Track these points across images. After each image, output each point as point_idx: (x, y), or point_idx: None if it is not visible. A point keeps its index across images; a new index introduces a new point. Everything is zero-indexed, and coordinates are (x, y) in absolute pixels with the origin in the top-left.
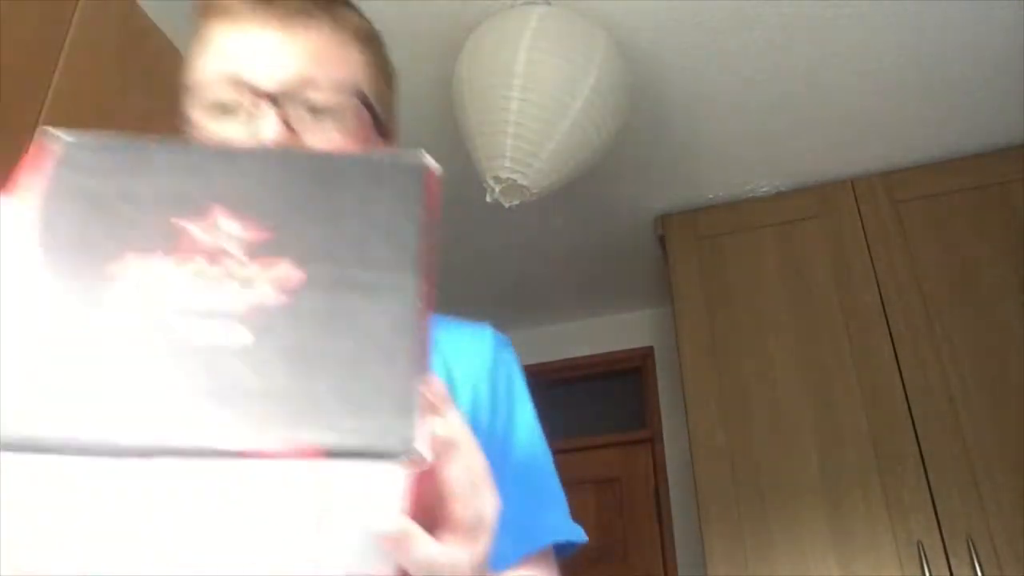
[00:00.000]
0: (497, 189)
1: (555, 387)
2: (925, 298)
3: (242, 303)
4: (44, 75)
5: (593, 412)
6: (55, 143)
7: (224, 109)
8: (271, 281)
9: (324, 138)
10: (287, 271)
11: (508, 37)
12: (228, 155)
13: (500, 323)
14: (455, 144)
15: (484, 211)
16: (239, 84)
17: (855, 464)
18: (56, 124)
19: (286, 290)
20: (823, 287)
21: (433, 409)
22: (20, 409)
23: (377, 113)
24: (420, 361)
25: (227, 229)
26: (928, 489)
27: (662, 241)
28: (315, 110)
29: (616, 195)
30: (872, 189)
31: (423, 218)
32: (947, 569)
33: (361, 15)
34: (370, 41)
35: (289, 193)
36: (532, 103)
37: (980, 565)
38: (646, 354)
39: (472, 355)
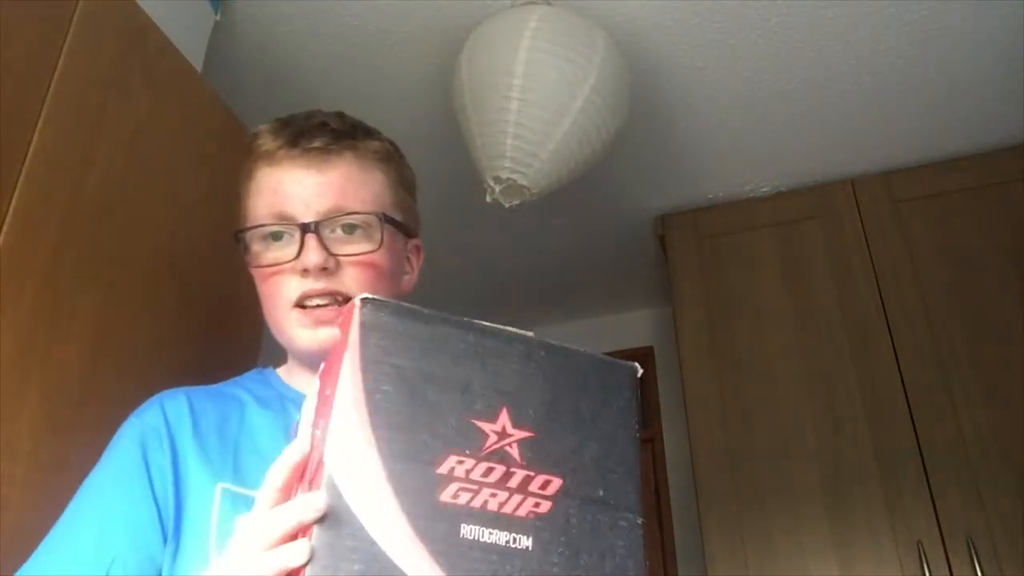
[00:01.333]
0: (497, 189)
1: None
2: (925, 298)
3: (522, 509)
4: (44, 75)
5: None
6: (364, 309)
7: (275, 237)
8: (539, 487)
9: (356, 248)
10: (551, 478)
11: (508, 37)
12: (498, 341)
13: (500, 323)
14: (455, 144)
15: (484, 211)
16: (284, 217)
17: (855, 464)
18: (56, 124)
19: (549, 496)
20: (823, 287)
21: None
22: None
23: (399, 221)
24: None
25: (510, 432)
26: (928, 489)
27: (662, 241)
28: (348, 228)
29: (616, 195)
30: (872, 189)
31: (637, 427)
32: (947, 569)
33: (380, 138)
34: (389, 159)
35: (546, 390)
36: (532, 103)
37: (980, 565)
38: (646, 354)
39: None
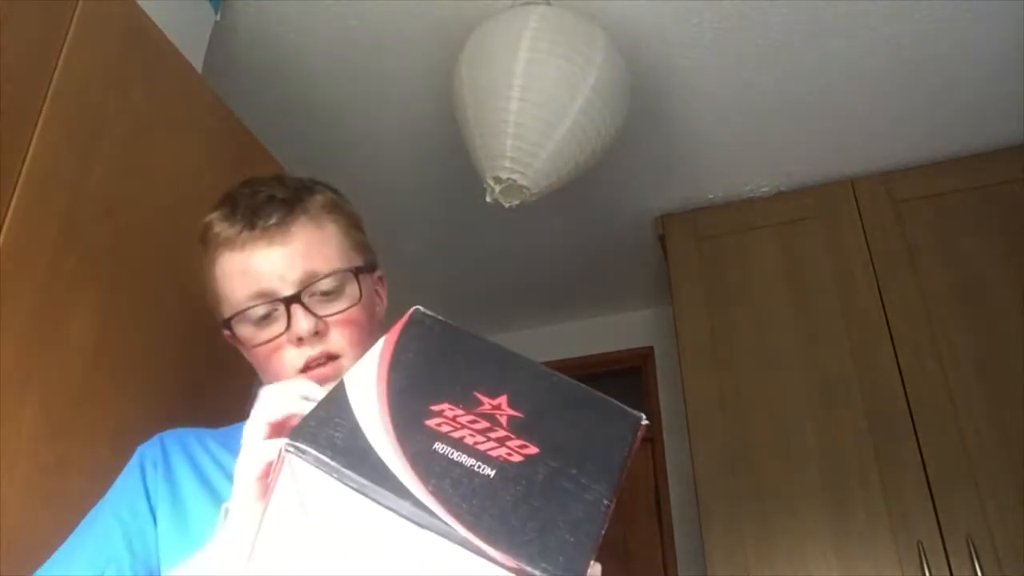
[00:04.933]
0: (497, 189)
1: None
2: (925, 298)
3: (495, 452)
4: (44, 75)
5: None
6: (414, 313)
7: (266, 319)
8: (516, 446)
9: (339, 307)
10: (529, 444)
11: (508, 37)
12: (517, 361)
13: (500, 323)
14: (455, 144)
15: (484, 211)
16: (264, 295)
17: (855, 464)
18: (56, 124)
19: (523, 455)
20: (823, 287)
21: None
22: (352, 451)
23: (363, 266)
24: (596, 544)
25: (504, 408)
26: (928, 489)
27: (662, 241)
28: (326, 294)
29: (616, 195)
30: (872, 189)
31: (627, 460)
32: (947, 569)
33: (320, 190)
34: (335, 207)
35: (547, 401)
36: (532, 103)
37: (980, 565)
38: (646, 354)
39: None
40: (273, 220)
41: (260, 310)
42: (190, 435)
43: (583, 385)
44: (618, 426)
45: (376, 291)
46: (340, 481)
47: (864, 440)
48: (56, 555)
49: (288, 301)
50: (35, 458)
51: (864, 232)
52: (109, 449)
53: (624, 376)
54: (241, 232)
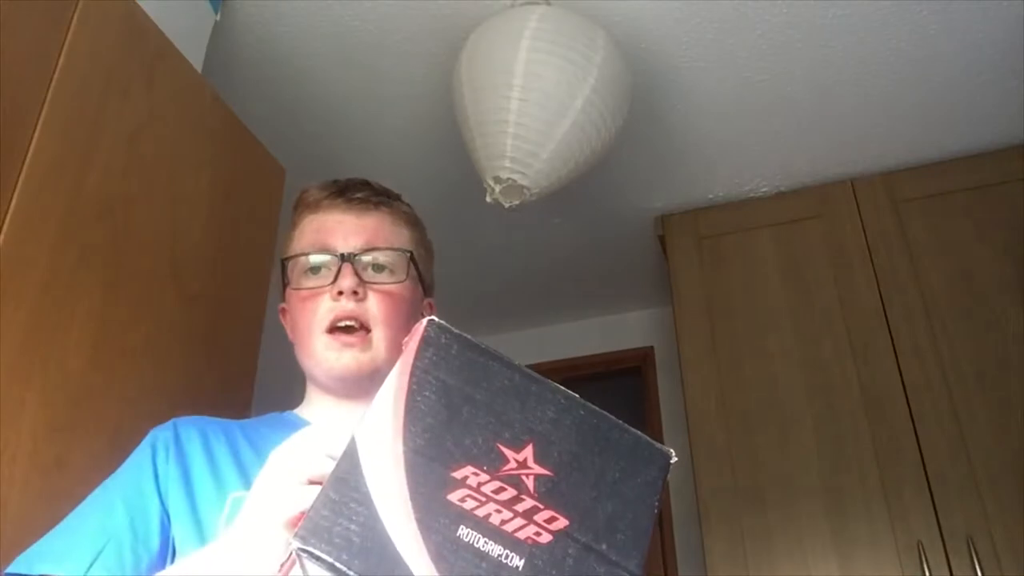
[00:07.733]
0: (497, 189)
1: None
2: (925, 298)
3: (522, 532)
4: (44, 75)
5: None
6: (428, 326)
7: (315, 270)
8: (544, 520)
9: (383, 285)
10: (557, 516)
11: (508, 37)
12: (538, 390)
13: (500, 323)
14: (455, 144)
15: (484, 211)
16: (325, 248)
17: (855, 464)
18: (56, 124)
19: (552, 531)
20: (823, 287)
21: None
22: (355, 546)
23: (420, 270)
24: None
25: (530, 465)
26: (928, 489)
27: (662, 241)
28: (377, 267)
29: (616, 195)
30: (872, 189)
31: (656, 511)
32: (947, 569)
33: (409, 206)
34: (416, 224)
35: (574, 447)
36: (532, 103)
37: (980, 565)
38: (646, 354)
39: None
40: (359, 195)
41: (315, 259)
42: (209, 422)
43: (609, 416)
44: (647, 469)
45: (422, 314)
46: None
47: (864, 440)
48: (59, 527)
49: (342, 257)
50: (35, 457)
51: (864, 232)
52: (108, 448)
53: (624, 376)
54: (326, 198)
